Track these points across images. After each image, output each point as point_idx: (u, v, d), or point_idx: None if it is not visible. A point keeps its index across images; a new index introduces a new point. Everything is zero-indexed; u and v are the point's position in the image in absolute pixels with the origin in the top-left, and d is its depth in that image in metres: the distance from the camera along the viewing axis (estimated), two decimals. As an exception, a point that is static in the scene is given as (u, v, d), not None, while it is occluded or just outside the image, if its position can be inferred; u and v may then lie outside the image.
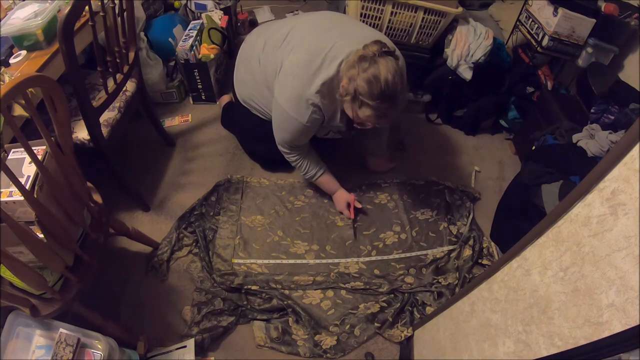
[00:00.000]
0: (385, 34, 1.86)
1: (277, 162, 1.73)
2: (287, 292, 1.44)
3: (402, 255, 1.55)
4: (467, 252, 1.57)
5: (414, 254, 1.56)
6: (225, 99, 2.00)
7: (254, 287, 1.42)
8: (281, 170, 1.84)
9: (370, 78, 1.14)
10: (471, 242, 1.59)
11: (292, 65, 1.32)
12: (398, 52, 1.31)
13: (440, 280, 1.48)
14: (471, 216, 1.69)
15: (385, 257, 1.54)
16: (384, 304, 1.43)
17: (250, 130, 1.70)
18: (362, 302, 1.44)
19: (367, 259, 1.53)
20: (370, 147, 1.79)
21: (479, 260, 1.58)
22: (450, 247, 1.59)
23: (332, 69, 1.27)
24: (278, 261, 1.52)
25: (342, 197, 1.64)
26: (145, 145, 1.92)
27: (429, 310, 1.42)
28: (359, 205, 1.63)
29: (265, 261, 1.51)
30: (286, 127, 1.42)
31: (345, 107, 1.29)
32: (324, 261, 1.53)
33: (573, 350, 0.59)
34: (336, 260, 1.53)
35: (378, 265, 1.53)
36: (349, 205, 1.62)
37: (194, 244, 1.57)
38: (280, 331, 1.35)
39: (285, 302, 1.39)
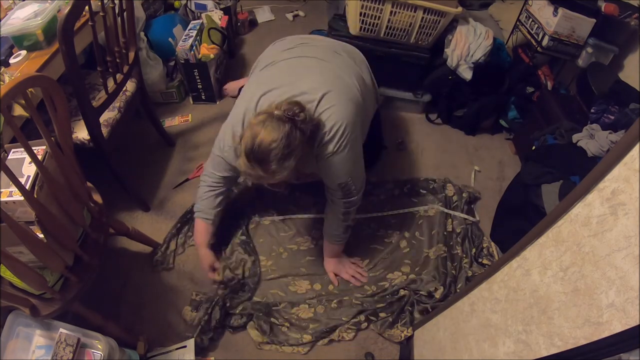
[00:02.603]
0: (384, 33, 1.87)
1: None
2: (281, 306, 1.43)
3: (408, 292, 1.47)
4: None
5: (422, 292, 1.47)
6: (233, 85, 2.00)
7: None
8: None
9: (251, 134, 1.05)
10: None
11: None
12: (316, 112, 1.15)
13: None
14: (483, 246, 1.63)
15: (390, 296, 1.47)
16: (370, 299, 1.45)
17: None
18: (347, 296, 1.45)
19: (371, 299, 1.46)
20: (324, 227, 1.46)
21: (479, 260, 1.58)
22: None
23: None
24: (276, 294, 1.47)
25: (205, 256, 1.43)
26: (145, 145, 1.92)
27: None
28: (218, 278, 1.43)
29: (263, 298, 1.46)
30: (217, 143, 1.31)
31: None
32: (325, 300, 1.46)
33: (573, 350, 0.59)
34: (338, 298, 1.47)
35: (382, 299, 1.46)
36: (212, 268, 1.44)
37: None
38: (270, 327, 1.36)
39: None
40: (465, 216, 1.69)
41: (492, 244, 1.63)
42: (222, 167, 1.32)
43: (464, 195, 1.76)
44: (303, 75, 1.23)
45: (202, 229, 1.43)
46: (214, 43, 2.02)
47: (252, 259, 1.52)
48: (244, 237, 1.58)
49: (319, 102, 1.14)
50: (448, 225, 1.66)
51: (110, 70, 1.35)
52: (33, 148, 0.85)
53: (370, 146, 1.66)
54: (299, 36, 1.47)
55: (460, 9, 1.78)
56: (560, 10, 1.66)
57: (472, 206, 1.77)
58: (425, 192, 1.79)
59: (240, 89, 1.90)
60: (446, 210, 1.71)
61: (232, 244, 1.57)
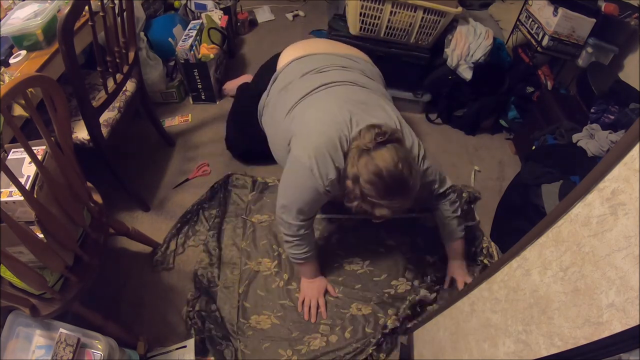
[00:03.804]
0: (384, 33, 1.87)
1: (255, 156, 1.76)
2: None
3: (414, 300, 1.45)
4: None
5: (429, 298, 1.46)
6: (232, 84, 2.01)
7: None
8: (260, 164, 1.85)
9: (372, 178, 1.02)
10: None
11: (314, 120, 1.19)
12: (401, 132, 1.16)
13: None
14: (484, 247, 1.62)
15: (397, 302, 1.46)
16: (377, 307, 1.43)
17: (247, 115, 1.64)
18: (354, 303, 1.44)
19: (380, 302, 1.45)
20: (443, 233, 1.46)
21: (480, 259, 1.58)
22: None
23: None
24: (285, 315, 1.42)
25: (319, 285, 1.43)
26: (145, 145, 1.92)
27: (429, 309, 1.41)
28: (334, 294, 1.45)
29: (273, 316, 1.41)
30: (302, 186, 1.18)
31: (359, 205, 1.13)
32: (333, 305, 1.44)
33: (573, 350, 0.59)
34: (347, 305, 1.45)
35: (392, 306, 1.45)
36: (319, 296, 1.41)
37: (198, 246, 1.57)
38: None
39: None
40: (465, 223, 1.68)
41: (492, 244, 1.63)
42: (316, 201, 1.21)
43: (464, 195, 1.76)
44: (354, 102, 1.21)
45: (315, 266, 1.42)
46: (213, 43, 2.02)
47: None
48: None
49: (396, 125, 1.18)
50: None
51: (110, 70, 1.35)
52: (33, 148, 0.85)
53: None
54: (322, 55, 1.40)
55: (460, 9, 1.78)
56: (560, 10, 1.66)
57: (472, 206, 1.76)
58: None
59: (239, 87, 1.92)
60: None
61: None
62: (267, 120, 1.46)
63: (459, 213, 1.39)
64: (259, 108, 1.52)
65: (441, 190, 1.35)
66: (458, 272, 1.48)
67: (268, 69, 1.54)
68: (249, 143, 1.77)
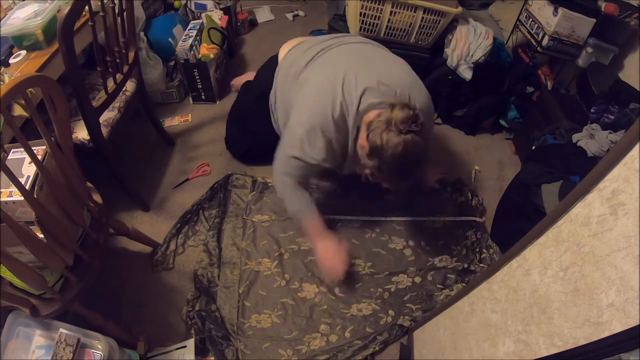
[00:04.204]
0: (384, 33, 1.87)
1: (255, 156, 1.78)
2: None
3: (416, 296, 1.47)
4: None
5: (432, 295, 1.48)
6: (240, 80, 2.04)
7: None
8: (260, 164, 1.84)
9: (396, 160, 1.09)
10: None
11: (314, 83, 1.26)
12: (404, 78, 1.24)
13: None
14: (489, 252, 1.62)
15: (398, 300, 1.46)
16: (377, 307, 1.43)
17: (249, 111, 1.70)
18: (355, 303, 1.44)
19: (380, 301, 1.45)
20: None
21: (481, 256, 1.58)
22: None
23: (354, 97, 1.19)
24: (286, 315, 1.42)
25: (332, 248, 1.35)
26: (145, 145, 1.92)
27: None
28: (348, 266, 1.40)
29: (274, 315, 1.41)
30: (292, 160, 1.27)
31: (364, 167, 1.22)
32: (334, 304, 1.44)
33: (573, 350, 0.59)
34: (348, 304, 1.45)
35: (392, 306, 1.45)
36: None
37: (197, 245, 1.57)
38: None
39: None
40: (473, 218, 1.69)
41: (492, 243, 1.63)
42: (306, 171, 1.29)
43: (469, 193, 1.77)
44: (374, 62, 1.29)
45: (319, 223, 1.35)
46: (213, 43, 2.02)
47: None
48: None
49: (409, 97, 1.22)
50: (458, 233, 1.66)
51: (110, 70, 1.35)
52: (33, 148, 0.85)
53: None
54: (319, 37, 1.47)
55: (460, 8, 1.78)
56: (560, 10, 1.66)
57: (480, 200, 1.77)
58: (435, 202, 1.76)
59: (242, 85, 1.92)
60: (453, 219, 1.70)
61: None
62: (280, 114, 1.48)
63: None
64: (270, 108, 1.54)
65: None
66: (430, 177, 1.66)
67: (268, 68, 1.55)
68: (249, 143, 1.78)
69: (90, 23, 1.17)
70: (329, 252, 1.35)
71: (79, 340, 1.00)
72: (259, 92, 1.59)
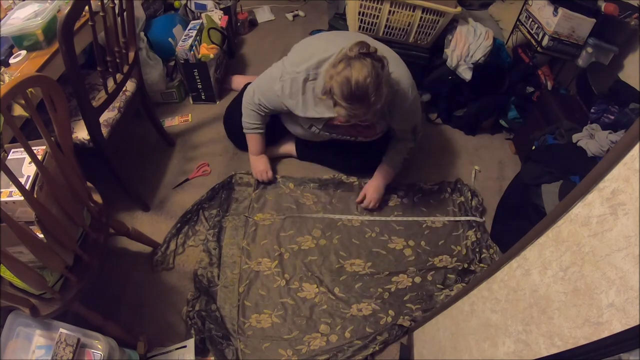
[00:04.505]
0: (383, 33, 1.86)
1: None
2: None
3: (416, 296, 1.47)
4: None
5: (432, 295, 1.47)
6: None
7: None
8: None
9: (342, 80, 1.19)
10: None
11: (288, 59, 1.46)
12: (385, 53, 1.32)
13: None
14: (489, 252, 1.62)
15: (398, 300, 1.46)
16: (377, 307, 1.43)
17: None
18: (355, 303, 1.44)
19: (380, 301, 1.45)
20: (387, 155, 1.70)
21: (481, 256, 1.58)
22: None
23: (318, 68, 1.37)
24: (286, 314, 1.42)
25: (265, 162, 1.74)
26: (145, 145, 1.92)
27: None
28: (270, 176, 1.73)
29: (274, 315, 1.41)
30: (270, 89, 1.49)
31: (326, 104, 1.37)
32: (334, 304, 1.44)
33: (573, 350, 0.59)
34: (348, 304, 1.45)
35: (392, 306, 1.45)
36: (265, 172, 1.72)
37: (198, 245, 1.57)
38: None
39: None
40: (473, 218, 1.69)
41: (492, 243, 1.63)
42: (269, 104, 1.52)
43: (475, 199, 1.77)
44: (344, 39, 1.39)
45: (258, 141, 1.69)
46: (213, 43, 2.02)
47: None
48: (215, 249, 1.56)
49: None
50: (458, 233, 1.66)
51: (110, 70, 1.35)
52: (33, 148, 0.85)
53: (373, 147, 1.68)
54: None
55: (459, 8, 1.78)
56: (560, 10, 1.66)
57: (481, 200, 1.77)
58: (435, 202, 1.77)
59: (245, 85, 1.92)
60: (453, 219, 1.70)
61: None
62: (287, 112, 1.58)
63: (408, 157, 1.70)
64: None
65: (411, 133, 1.62)
66: (371, 190, 1.68)
67: None
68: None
69: (90, 23, 1.17)
70: (259, 165, 1.74)
71: (79, 340, 1.00)
72: None
